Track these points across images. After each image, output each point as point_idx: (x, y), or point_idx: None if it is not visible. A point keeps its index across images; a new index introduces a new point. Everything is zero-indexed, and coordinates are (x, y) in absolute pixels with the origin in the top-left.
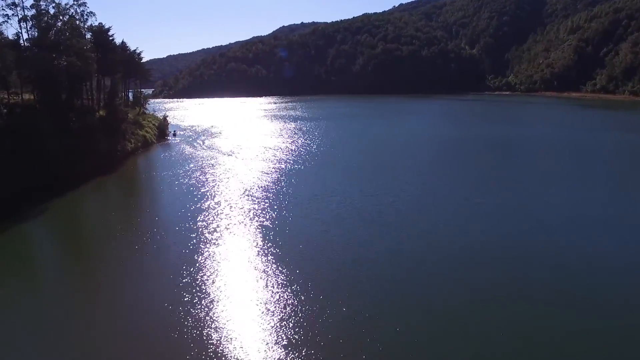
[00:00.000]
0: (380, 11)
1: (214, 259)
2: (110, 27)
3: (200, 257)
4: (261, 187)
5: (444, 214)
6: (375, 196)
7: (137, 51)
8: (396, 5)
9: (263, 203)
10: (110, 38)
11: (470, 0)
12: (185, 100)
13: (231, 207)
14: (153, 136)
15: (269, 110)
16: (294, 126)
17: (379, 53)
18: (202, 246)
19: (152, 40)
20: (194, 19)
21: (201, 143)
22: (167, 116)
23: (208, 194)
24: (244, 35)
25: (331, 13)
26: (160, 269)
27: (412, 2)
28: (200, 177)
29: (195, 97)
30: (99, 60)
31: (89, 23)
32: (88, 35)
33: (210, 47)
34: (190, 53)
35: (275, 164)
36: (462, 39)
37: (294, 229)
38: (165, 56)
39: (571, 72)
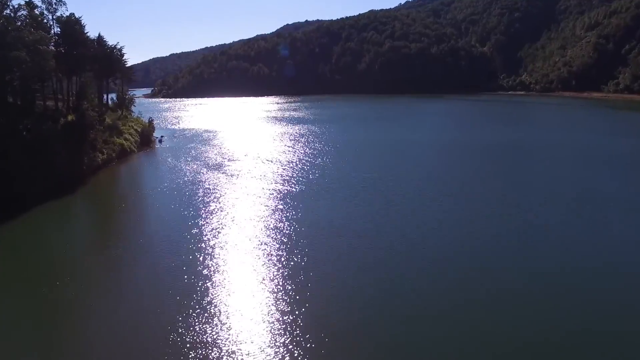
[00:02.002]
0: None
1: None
2: (81, 17)
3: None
4: (252, 221)
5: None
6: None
7: (118, 46)
8: (402, 3)
9: (252, 251)
10: (82, 30)
11: None
12: (184, 100)
13: (210, 255)
14: (133, 144)
15: (270, 112)
16: (296, 131)
17: (386, 51)
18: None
19: (155, 38)
20: (197, 18)
21: (189, 152)
22: (153, 120)
23: (182, 229)
24: (248, 34)
25: (336, 11)
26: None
27: None
28: (174, 203)
29: (195, 97)
30: (65, 56)
31: (58, 14)
32: (58, 29)
33: (214, 45)
34: (193, 52)
35: (272, 184)
36: (471, 36)
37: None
38: (168, 54)
39: (591, 71)
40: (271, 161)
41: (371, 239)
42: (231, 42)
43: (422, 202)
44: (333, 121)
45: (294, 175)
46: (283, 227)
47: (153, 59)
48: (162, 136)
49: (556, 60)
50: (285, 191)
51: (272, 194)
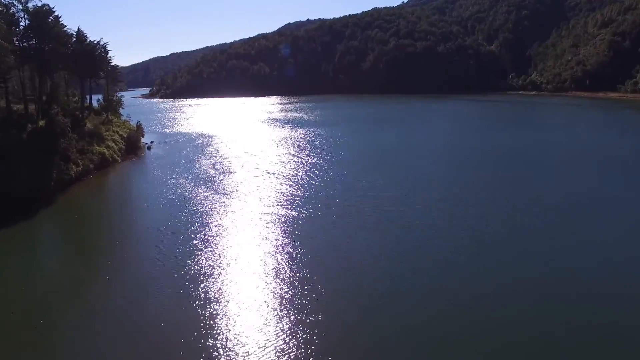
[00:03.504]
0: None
1: None
2: (53, 7)
3: None
4: (243, 258)
5: None
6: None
7: (102, 43)
8: (405, 1)
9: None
10: (58, 23)
11: None
12: (182, 100)
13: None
14: (117, 152)
15: (271, 113)
16: (299, 135)
17: (391, 49)
18: None
19: (156, 38)
20: (198, 17)
21: (179, 162)
22: (142, 124)
23: (159, 269)
24: (249, 33)
25: (338, 11)
26: None
27: None
28: (154, 231)
29: (194, 97)
30: (32, 51)
31: (30, 4)
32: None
33: (214, 44)
34: (193, 51)
35: (271, 205)
36: (478, 34)
37: None
38: (168, 54)
39: (606, 70)
40: (272, 174)
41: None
42: (232, 41)
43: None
44: (339, 123)
45: (298, 193)
46: (282, 271)
47: (153, 58)
48: (151, 142)
49: (568, 59)
50: (288, 217)
51: (272, 219)
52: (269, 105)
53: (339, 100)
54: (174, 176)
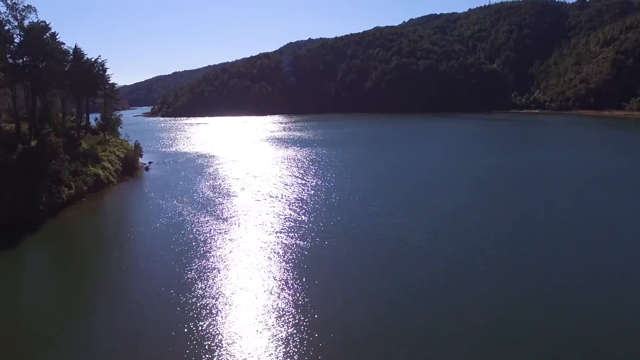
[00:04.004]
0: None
1: None
2: (49, 23)
3: None
4: (245, 294)
5: None
6: None
7: (100, 60)
8: (406, 21)
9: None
10: (54, 41)
11: (486, 13)
12: (183, 119)
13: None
14: (113, 173)
15: (273, 132)
16: (303, 156)
17: (394, 68)
18: None
19: (159, 57)
20: (200, 37)
21: (177, 184)
22: (140, 143)
23: (150, 305)
24: (251, 53)
25: (339, 30)
26: None
27: (423, 16)
28: (146, 262)
29: (195, 116)
30: (26, 68)
31: (27, 22)
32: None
33: (216, 63)
34: (195, 70)
35: (274, 234)
36: (480, 53)
37: None
38: (171, 73)
39: (610, 88)
40: (274, 198)
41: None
42: (234, 60)
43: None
44: (342, 143)
45: (302, 219)
46: (286, 311)
47: (156, 77)
48: (150, 162)
49: (572, 77)
50: (292, 246)
51: (274, 249)
52: (270, 124)
53: (342, 119)
54: (171, 199)
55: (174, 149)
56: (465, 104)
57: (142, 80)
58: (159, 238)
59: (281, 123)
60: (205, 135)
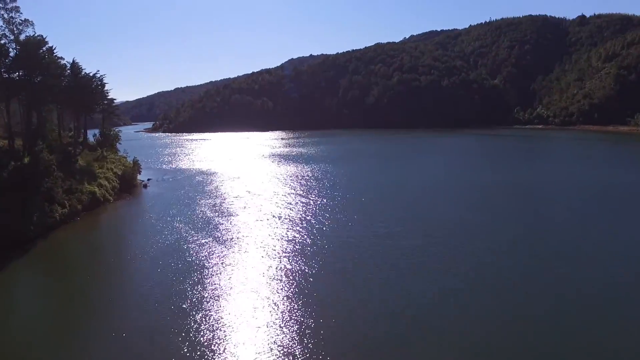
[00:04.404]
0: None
1: None
2: (45, 37)
3: None
4: (246, 327)
5: None
6: None
7: (98, 75)
8: (407, 37)
9: None
10: (51, 55)
11: (487, 30)
12: (184, 135)
13: None
14: (109, 191)
15: (275, 148)
16: (306, 173)
17: (395, 83)
18: None
19: (161, 73)
20: (202, 53)
21: (176, 202)
22: (138, 160)
23: (141, 339)
24: (252, 69)
25: (340, 47)
26: None
27: (424, 33)
28: (140, 289)
29: (197, 132)
30: (21, 84)
31: (23, 36)
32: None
33: (218, 79)
34: (197, 86)
35: (276, 258)
36: (482, 69)
37: None
38: (173, 89)
39: (613, 103)
40: (276, 218)
41: None
42: (235, 76)
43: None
44: (345, 160)
45: (306, 241)
46: (289, 348)
47: (158, 93)
48: (148, 179)
49: (574, 93)
50: (295, 272)
51: (276, 275)
52: (272, 140)
53: (343, 135)
54: (169, 219)
55: (173, 166)
56: (468, 120)
57: (145, 96)
58: (155, 262)
59: (283, 139)
60: (206, 152)
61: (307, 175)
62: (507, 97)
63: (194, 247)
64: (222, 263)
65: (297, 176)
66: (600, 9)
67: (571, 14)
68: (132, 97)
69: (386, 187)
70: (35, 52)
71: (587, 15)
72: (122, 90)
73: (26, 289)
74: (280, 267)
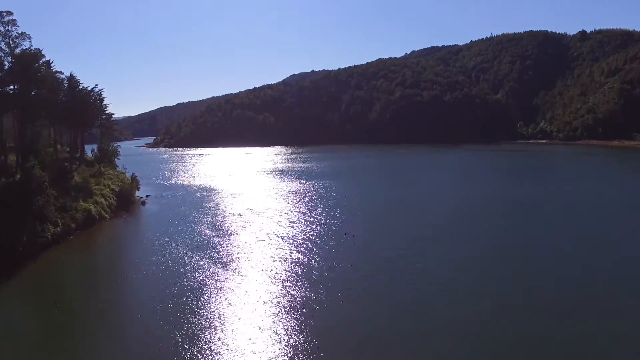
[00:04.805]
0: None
1: None
2: (41, 49)
3: None
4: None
5: None
6: None
7: (96, 90)
8: (408, 53)
9: None
10: (48, 68)
11: (488, 45)
12: (186, 150)
13: None
14: (106, 208)
15: (277, 164)
16: (308, 189)
17: (398, 99)
18: None
19: (163, 88)
20: (204, 68)
21: (174, 220)
22: (136, 176)
23: None
24: (254, 84)
25: (342, 62)
26: None
27: (425, 48)
28: (135, 314)
29: (198, 147)
30: (15, 97)
31: (19, 49)
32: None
33: (220, 94)
34: (199, 101)
35: (279, 283)
36: (484, 84)
37: None
38: (175, 104)
39: (617, 118)
40: (279, 238)
41: None
42: (237, 91)
43: None
44: (349, 176)
45: (311, 263)
46: None
47: (160, 108)
48: (147, 196)
49: (578, 107)
50: (299, 299)
51: (278, 303)
52: (274, 156)
53: (346, 151)
54: (167, 238)
55: (173, 182)
56: (471, 135)
57: (147, 111)
58: (151, 286)
59: (284, 154)
60: (207, 167)
61: (310, 192)
62: (510, 112)
63: (192, 270)
64: (221, 288)
65: (299, 193)
66: (599, 25)
67: (571, 30)
68: (134, 112)
69: (392, 205)
70: (31, 65)
71: (588, 31)
72: (124, 105)
73: (9, 316)
74: (283, 293)
